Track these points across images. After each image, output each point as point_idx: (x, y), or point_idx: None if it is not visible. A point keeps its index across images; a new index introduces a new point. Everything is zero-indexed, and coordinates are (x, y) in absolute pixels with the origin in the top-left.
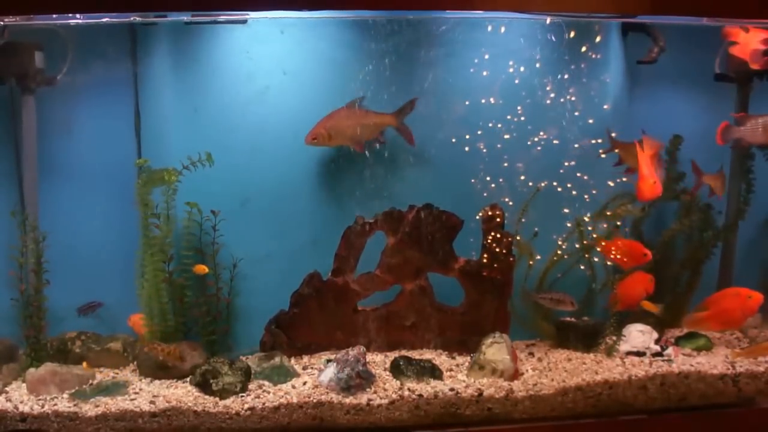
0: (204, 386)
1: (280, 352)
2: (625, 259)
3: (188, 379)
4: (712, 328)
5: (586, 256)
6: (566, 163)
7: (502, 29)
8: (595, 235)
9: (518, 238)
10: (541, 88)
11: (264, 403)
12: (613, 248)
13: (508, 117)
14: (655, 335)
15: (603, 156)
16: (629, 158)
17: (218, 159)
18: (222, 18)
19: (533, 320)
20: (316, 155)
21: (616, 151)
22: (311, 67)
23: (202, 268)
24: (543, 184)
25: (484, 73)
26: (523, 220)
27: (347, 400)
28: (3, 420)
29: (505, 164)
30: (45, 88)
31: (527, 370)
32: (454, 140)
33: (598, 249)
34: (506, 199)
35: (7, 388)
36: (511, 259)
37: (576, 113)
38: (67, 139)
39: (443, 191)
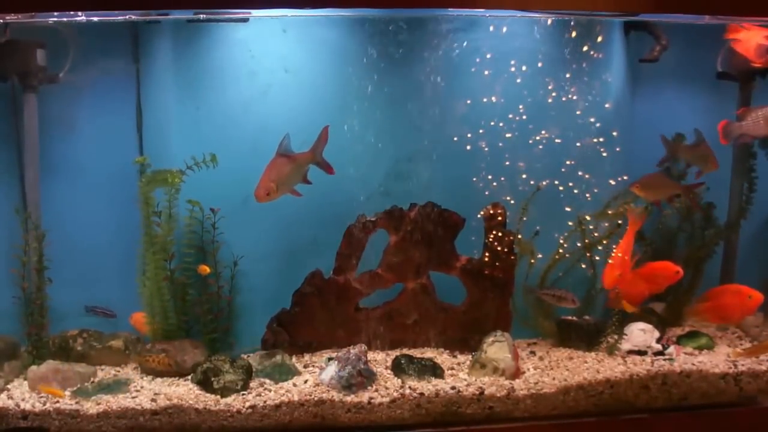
0: (205, 384)
1: (282, 351)
2: (659, 282)
3: (189, 377)
4: (709, 320)
5: (588, 255)
6: (568, 162)
7: (504, 29)
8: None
9: (520, 236)
10: (542, 86)
11: (265, 401)
12: (645, 275)
13: (510, 116)
14: (657, 334)
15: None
16: (697, 160)
17: (220, 157)
18: (224, 16)
19: (535, 319)
20: None
21: (680, 154)
22: (313, 65)
23: (204, 269)
24: (544, 183)
25: (486, 73)
26: (524, 218)
27: (348, 399)
28: (5, 417)
29: (507, 163)
30: (47, 86)
31: (529, 369)
32: (455, 139)
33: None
34: (508, 198)
35: (8, 386)
36: (513, 257)
37: (578, 112)
38: (68, 137)
39: (445, 190)
